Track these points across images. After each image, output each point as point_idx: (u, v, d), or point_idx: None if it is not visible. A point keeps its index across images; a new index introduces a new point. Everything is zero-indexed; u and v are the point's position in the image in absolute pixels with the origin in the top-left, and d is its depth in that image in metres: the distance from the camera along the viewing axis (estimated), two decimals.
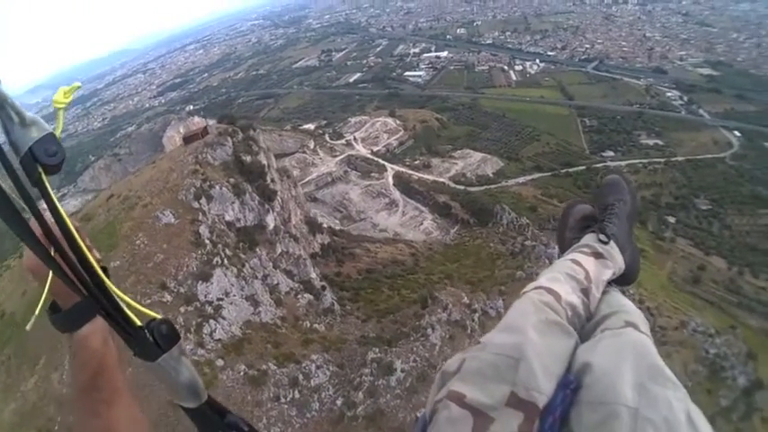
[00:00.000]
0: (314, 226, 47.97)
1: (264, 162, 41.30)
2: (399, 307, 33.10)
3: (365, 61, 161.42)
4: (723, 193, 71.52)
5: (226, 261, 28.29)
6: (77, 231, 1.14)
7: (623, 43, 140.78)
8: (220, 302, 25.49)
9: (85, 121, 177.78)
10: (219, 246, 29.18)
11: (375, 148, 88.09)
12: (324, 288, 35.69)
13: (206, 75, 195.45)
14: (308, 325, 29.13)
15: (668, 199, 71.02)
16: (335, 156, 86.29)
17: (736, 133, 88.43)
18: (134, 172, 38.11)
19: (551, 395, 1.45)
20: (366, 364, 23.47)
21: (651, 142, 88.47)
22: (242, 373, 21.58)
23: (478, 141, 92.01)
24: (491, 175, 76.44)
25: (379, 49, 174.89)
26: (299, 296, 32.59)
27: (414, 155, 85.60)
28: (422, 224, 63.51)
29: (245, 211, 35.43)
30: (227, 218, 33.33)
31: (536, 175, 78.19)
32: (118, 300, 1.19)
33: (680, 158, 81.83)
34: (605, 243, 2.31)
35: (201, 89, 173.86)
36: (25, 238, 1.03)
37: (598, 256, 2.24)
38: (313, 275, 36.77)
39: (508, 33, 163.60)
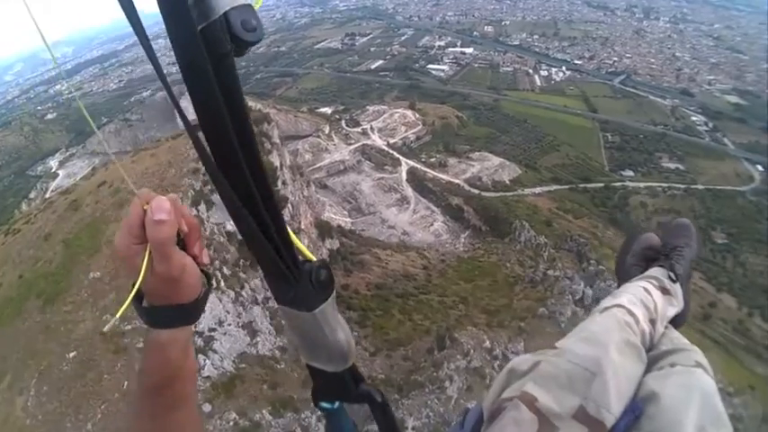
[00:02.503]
0: (324, 229, 45.65)
1: (277, 163, 37.92)
2: (411, 337, 31.17)
3: (389, 49, 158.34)
4: (740, 229, 69.59)
5: (222, 283, 25.21)
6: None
7: (652, 60, 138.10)
8: (212, 333, 22.55)
9: (101, 81, 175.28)
10: (217, 262, 26.01)
11: (391, 140, 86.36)
12: None
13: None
14: None
15: None
16: (350, 144, 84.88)
17: (759, 167, 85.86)
18: (132, 158, 35.00)
19: (618, 417, 1.47)
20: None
21: (673, 166, 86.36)
22: (231, 423, 18.97)
23: (497, 145, 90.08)
24: (507, 182, 74.76)
25: (404, 38, 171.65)
26: None
27: (430, 151, 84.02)
28: (432, 225, 62.23)
29: None
30: (229, 227, 28.75)
31: (553, 187, 76.53)
32: (287, 232, 1.06)
33: (700, 186, 79.78)
34: (674, 282, 2.36)
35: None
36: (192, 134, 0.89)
37: (665, 291, 2.28)
38: None
39: (536, 36, 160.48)
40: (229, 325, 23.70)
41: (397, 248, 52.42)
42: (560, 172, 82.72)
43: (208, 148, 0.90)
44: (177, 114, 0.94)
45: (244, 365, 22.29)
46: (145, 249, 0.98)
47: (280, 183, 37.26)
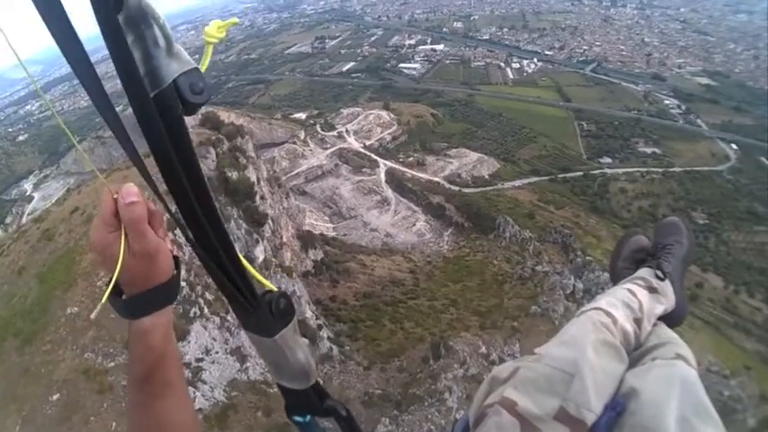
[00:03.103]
0: (306, 240, 44.15)
1: (253, 178, 36.22)
2: (404, 347, 30.18)
3: (359, 50, 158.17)
4: (720, 208, 70.30)
5: (206, 310, 23.63)
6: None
7: (622, 47, 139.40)
8: (200, 364, 21.38)
9: (72, 99, 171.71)
10: (198, 288, 24.21)
11: (368, 142, 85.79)
12: (320, 327, 31.45)
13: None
14: None
15: (665, 211, 69.30)
16: (326, 148, 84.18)
17: (734, 146, 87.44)
18: (105, 175, 33.26)
19: (599, 415, 1.49)
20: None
21: (649, 150, 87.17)
22: None
23: (474, 140, 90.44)
24: (487, 177, 74.61)
25: (373, 38, 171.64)
26: None
27: (407, 151, 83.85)
28: (414, 225, 61.60)
29: (240, 232, 30.70)
30: None
31: (533, 179, 76.77)
32: (243, 267, 1.15)
33: (677, 169, 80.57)
34: (661, 280, 2.37)
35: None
36: (145, 176, 0.98)
37: (652, 290, 2.30)
38: (308, 314, 31.88)
39: (506, 30, 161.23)
40: (217, 353, 22.42)
41: (382, 253, 51.55)
42: (539, 163, 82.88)
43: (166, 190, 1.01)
44: (134, 166, 1.01)
45: (236, 393, 21.04)
46: (120, 236, 1.04)
47: (258, 198, 35.44)
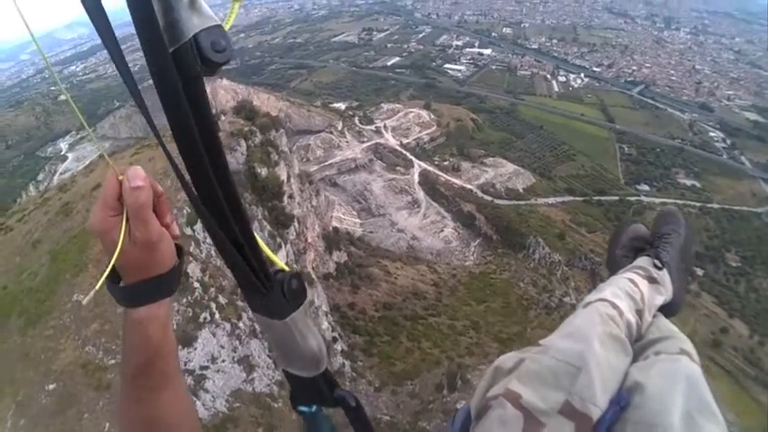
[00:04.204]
0: (331, 241, 43.28)
1: (284, 176, 34.83)
2: (419, 369, 29.93)
3: (406, 46, 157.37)
4: (755, 252, 68.27)
5: (217, 315, 22.76)
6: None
7: (671, 72, 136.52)
8: (204, 372, 20.61)
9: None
10: (212, 290, 23.60)
11: (405, 140, 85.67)
12: (335, 340, 30.76)
13: (242, 35, 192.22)
14: None
15: (699, 248, 67.98)
16: (363, 141, 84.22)
17: None
18: (132, 156, 32.71)
19: (604, 410, 1.49)
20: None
21: (689, 183, 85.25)
22: None
23: (512, 150, 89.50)
24: (521, 191, 74.02)
25: (421, 35, 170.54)
26: None
27: (444, 154, 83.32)
28: (442, 231, 61.34)
29: None
30: None
31: (567, 198, 75.80)
32: (258, 246, 1.11)
33: (715, 206, 78.67)
34: (660, 269, 2.36)
35: (236, 49, 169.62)
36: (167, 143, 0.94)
37: (652, 280, 2.29)
38: (324, 325, 31.09)
39: (555, 41, 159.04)
40: (223, 361, 21.71)
41: (407, 260, 51.26)
42: (575, 183, 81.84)
43: (181, 162, 0.96)
44: (153, 134, 0.97)
45: (238, 404, 20.50)
46: (121, 221, 1.01)
47: (286, 198, 34.48)
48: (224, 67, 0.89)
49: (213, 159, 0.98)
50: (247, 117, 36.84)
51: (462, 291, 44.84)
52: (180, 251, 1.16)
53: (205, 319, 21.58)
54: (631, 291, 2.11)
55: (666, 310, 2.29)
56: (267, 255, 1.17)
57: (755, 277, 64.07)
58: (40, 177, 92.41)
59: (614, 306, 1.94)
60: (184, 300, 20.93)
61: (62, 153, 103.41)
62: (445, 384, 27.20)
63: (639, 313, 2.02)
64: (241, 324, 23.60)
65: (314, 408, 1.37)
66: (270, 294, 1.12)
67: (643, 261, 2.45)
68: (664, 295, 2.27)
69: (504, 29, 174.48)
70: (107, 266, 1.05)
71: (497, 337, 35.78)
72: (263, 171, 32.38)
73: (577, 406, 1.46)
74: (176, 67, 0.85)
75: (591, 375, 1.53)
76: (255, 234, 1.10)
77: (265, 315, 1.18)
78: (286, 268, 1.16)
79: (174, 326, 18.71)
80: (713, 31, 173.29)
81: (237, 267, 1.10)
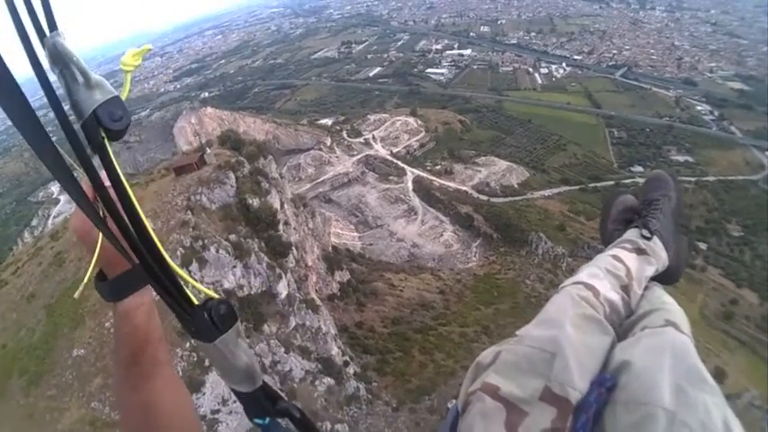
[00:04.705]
0: (333, 262, 42.96)
1: (277, 204, 34.61)
2: (435, 383, 29.51)
3: (386, 55, 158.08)
4: (756, 220, 67.94)
5: None
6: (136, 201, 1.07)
7: (651, 51, 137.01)
8: (216, 416, 20.37)
9: None
10: None
11: (394, 149, 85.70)
12: (347, 364, 30.11)
13: (223, 61, 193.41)
14: (328, 427, 23.78)
15: (699, 223, 67.80)
16: (353, 155, 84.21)
17: None
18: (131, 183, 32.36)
19: (585, 392, 1.47)
20: None
21: (682, 159, 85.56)
22: None
23: (502, 147, 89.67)
24: (516, 186, 73.81)
25: (400, 43, 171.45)
26: (317, 381, 26.93)
27: (435, 158, 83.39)
28: (442, 236, 61.18)
29: (249, 276, 28.40)
30: (226, 285, 26.65)
31: (563, 189, 75.74)
32: (175, 275, 1.15)
33: (711, 178, 78.68)
34: (648, 239, 2.30)
35: (218, 76, 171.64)
36: (77, 197, 1.01)
37: (640, 252, 2.23)
38: (334, 351, 30.37)
39: (533, 34, 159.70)
40: (234, 402, 19.68)
41: (410, 270, 50.89)
42: (569, 172, 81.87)
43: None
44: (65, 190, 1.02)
45: None
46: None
47: (281, 225, 33.93)
48: (123, 137, 0.99)
49: (122, 199, 1.03)
50: (233, 147, 36.51)
51: (469, 295, 44.55)
52: None
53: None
54: (613, 267, 2.07)
55: (666, 277, 2.28)
56: (194, 285, 1.23)
57: (760, 244, 63.80)
58: (35, 223, 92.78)
59: (588, 287, 1.92)
60: (187, 344, 20.42)
61: (54, 196, 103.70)
62: None
63: (625, 289, 1.99)
64: None
65: (267, 420, 1.35)
66: (194, 320, 1.16)
67: (631, 233, 2.40)
68: (655, 265, 2.20)
69: (482, 27, 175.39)
70: (90, 265, 1.13)
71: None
72: (254, 202, 31.93)
73: (557, 390, 1.45)
74: (86, 137, 0.94)
75: (566, 359, 1.52)
76: (174, 264, 1.13)
77: (195, 338, 1.20)
78: (215, 296, 1.19)
79: (180, 372, 18.26)
80: (688, 6, 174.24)
81: (163, 297, 1.13)
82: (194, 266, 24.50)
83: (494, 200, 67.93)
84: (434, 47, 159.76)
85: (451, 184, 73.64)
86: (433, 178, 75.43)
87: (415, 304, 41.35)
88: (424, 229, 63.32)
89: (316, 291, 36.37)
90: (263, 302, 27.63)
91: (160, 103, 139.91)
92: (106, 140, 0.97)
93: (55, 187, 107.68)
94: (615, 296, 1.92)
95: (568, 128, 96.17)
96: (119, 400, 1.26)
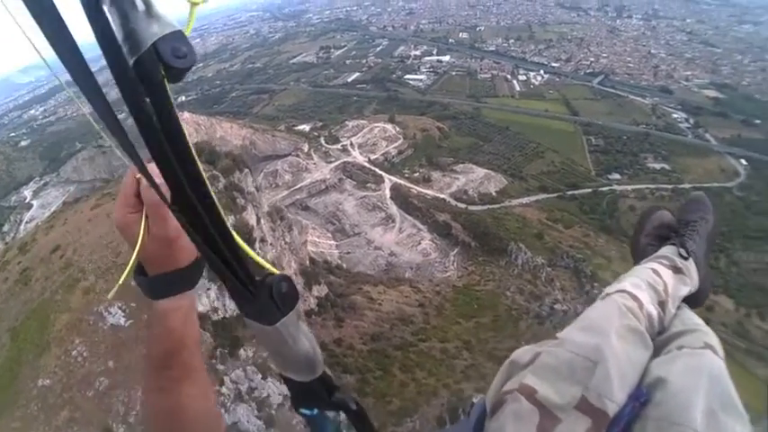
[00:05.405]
0: (310, 276, 41.73)
1: (252, 221, 33.30)
2: (417, 404, 28.56)
3: (365, 61, 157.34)
4: (731, 227, 68.24)
5: None
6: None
7: (629, 59, 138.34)
8: None
9: (75, 105, 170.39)
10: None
11: (372, 156, 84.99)
12: None
13: (201, 65, 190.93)
14: None
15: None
16: (330, 161, 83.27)
17: (743, 161, 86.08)
18: (92, 206, 31.54)
19: (622, 405, 1.47)
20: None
21: (658, 166, 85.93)
22: None
23: (480, 155, 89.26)
24: (494, 194, 73.55)
25: (379, 48, 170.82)
26: None
27: (413, 166, 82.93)
28: (419, 244, 60.55)
29: (224, 299, 26.20)
30: (201, 308, 24.92)
31: (541, 196, 75.64)
32: (237, 247, 1.06)
33: (687, 185, 78.98)
34: (685, 258, 2.30)
35: (195, 80, 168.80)
36: (135, 160, 0.92)
37: (677, 270, 2.24)
38: None
39: (512, 41, 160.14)
40: None
41: (389, 283, 49.98)
42: (547, 180, 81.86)
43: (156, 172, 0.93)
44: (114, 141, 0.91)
45: None
46: (141, 217, 1.04)
47: (258, 243, 32.98)
48: (185, 96, 0.75)
49: (181, 160, 0.91)
50: (208, 161, 35.16)
51: (449, 308, 43.89)
52: None
53: None
54: (654, 281, 2.05)
55: (692, 300, 2.22)
56: (253, 258, 1.10)
57: (735, 251, 64.54)
58: (6, 228, 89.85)
59: (634, 297, 1.89)
60: None
61: (27, 201, 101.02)
62: (447, 419, 26.01)
63: (662, 305, 1.98)
64: (224, 389, 21.89)
65: (315, 410, 1.29)
66: (257, 300, 1.07)
67: (668, 250, 2.36)
68: (689, 286, 2.19)
69: (461, 34, 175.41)
70: (131, 260, 1.06)
71: (491, 355, 34.66)
72: (229, 219, 30.29)
73: (594, 401, 1.45)
74: (140, 76, 0.83)
75: (608, 370, 1.50)
76: (237, 237, 1.03)
77: (255, 321, 1.12)
78: (275, 271, 1.10)
79: None
80: (664, 15, 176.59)
81: (221, 273, 1.04)
82: None
83: (472, 208, 67.63)
84: (413, 53, 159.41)
85: (429, 192, 73.17)
86: (411, 186, 74.88)
87: (395, 319, 40.45)
88: (402, 238, 62.66)
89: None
90: (238, 326, 25.86)
91: None
92: (165, 81, 0.86)
93: (28, 192, 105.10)
94: (654, 310, 1.91)
95: (546, 135, 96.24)
96: (145, 403, 1.22)
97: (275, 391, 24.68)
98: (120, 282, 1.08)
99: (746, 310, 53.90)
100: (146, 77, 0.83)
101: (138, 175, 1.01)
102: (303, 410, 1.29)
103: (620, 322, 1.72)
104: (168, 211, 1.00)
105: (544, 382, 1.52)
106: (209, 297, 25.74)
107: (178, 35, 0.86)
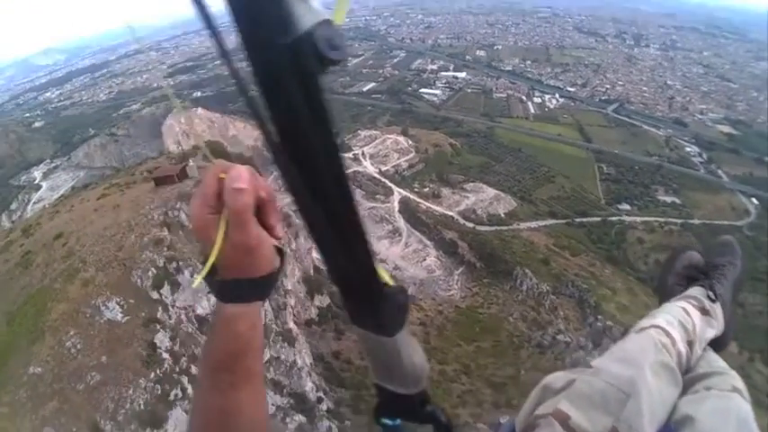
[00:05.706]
0: (313, 286, 41.05)
1: None
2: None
3: (381, 71, 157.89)
4: None
5: (190, 390, 19.51)
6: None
7: (644, 88, 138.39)
8: None
9: (92, 91, 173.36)
10: (183, 361, 20.69)
11: (383, 168, 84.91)
12: (320, 401, 28.13)
13: (219, 62, 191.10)
14: None
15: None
16: None
17: (754, 201, 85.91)
18: (99, 197, 31.54)
19: None
20: None
21: (669, 200, 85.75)
22: None
23: (491, 174, 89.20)
24: (503, 216, 73.28)
25: (396, 60, 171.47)
26: (288, 419, 24.14)
27: (423, 180, 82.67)
28: (425, 260, 60.15)
29: None
30: (200, 311, 24.22)
31: (549, 222, 75.42)
32: (370, 251, 1.01)
33: (696, 221, 78.98)
34: (713, 301, 2.31)
35: (213, 76, 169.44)
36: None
37: (705, 312, 2.24)
38: (308, 387, 28.16)
39: (528, 62, 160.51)
40: None
41: None
42: (556, 205, 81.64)
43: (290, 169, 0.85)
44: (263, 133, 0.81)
45: None
46: (219, 220, 0.98)
47: None
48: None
49: (331, 161, 0.85)
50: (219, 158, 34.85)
51: (450, 329, 43.41)
52: (282, 256, 1.14)
53: (176, 396, 18.83)
54: (684, 320, 2.06)
55: (716, 344, 2.22)
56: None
57: (740, 292, 63.17)
58: (14, 207, 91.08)
59: (668, 334, 1.91)
60: (152, 374, 18.81)
61: (36, 182, 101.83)
62: None
63: (690, 344, 1.98)
64: None
65: (398, 420, 1.30)
66: (382, 312, 1.04)
67: (696, 291, 2.36)
68: (715, 329, 2.20)
69: (478, 51, 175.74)
70: (206, 263, 1.03)
71: (490, 381, 34.24)
72: None
73: None
74: (293, 59, 0.73)
75: (640, 403, 1.52)
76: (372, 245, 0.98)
77: (374, 331, 1.09)
78: (391, 282, 1.06)
79: (141, 405, 16.91)
80: (682, 47, 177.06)
81: (349, 278, 1.02)
82: (166, 290, 22.86)
83: (479, 228, 67.40)
84: (430, 67, 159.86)
85: (438, 209, 72.98)
86: (420, 201, 74.74)
87: None
88: (408, 252, 62.34)
89: (293, 315, 35.06)
90: None
91: (152, 98, 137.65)
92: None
93: (38, 173, 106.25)
94: (683, 349, 1.91)
95: (558, 160, 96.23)
96: (198, 397, 1.16)
97: (269, 401, 23.92)
98: (198, 280, 1.03)
99: (750, 354, 52.98)
100: (301, 63, 0.74)
101: (223, 175, 0.95)
102: (385, 420, 1.26)
103: (655, 358, 1.73)
104: (251, 218, 0.97)
105: (578, 410, 1.53)
106: (209, 301, 24.64)
107: (330, 23, 0.76)
